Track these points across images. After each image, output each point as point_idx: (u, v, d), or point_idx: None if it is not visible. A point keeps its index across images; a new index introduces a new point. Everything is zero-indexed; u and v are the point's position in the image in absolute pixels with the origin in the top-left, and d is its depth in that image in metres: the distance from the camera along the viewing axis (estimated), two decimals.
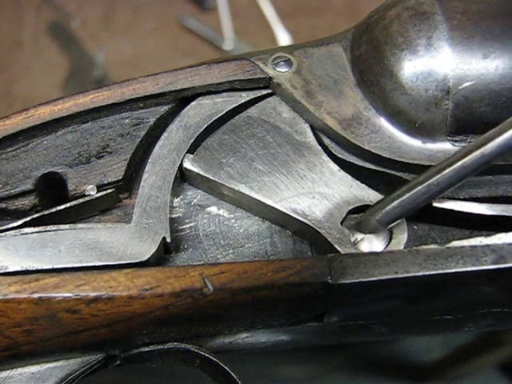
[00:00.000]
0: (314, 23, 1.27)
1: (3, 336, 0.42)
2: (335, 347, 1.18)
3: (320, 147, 0.46)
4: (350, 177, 0.46)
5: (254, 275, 0.41)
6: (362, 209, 0.45)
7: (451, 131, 0.44)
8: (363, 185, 0.46)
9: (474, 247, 0.42)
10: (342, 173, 0.46)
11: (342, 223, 0.44)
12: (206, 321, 0.43)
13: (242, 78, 0.47)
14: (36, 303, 0.41)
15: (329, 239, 0.43)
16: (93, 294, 0.41)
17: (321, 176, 0.45)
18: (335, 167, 0.46)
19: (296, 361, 1.13)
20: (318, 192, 0.45)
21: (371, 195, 0.45)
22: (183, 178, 0.47)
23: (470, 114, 0.43)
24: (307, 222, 0.44)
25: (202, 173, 0.46)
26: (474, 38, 0.43)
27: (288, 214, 0.44)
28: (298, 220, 0.44)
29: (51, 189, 0.46)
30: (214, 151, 0.46)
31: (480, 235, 0.44)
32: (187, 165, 0.46)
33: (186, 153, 0.46)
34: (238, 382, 0.44)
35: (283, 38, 1.27)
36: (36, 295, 0.41)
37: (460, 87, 0.43)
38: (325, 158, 0.46)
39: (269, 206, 0.45)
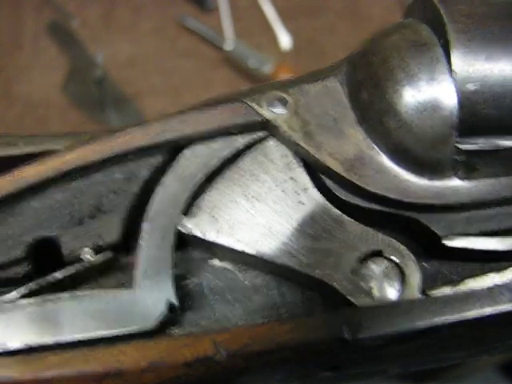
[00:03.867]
0: (314, 24, 1.26)
1: None
2: None
3: (319, 192, 0.45)
4: (353, 221, 0.44)
5: (267, 338, 0.40)
6: (370, 254, 0.43)
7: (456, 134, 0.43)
8: (368, 228, 0.44)
9: (490, 289, 0.41)
10: (345, 218, 0.44)
11: (352, 272, 0.43)
12: None
13: (237, 122, 0.44)
14: None
15: (341, 291, 0.42)
16: (101, 371, 0.39)
17: (324, 226, 0.44)
18: (337, 213, 0.44)
19: None
20: (323, 242, 0.43)
21: (378, 238, 0.43)
22: (180, 242, 0.44)
23: (473, 116, 0.42)
24: (316, 275, 0.42)
25: (199, 235, 0.44)
26: (476, 40, 0.42)
27: (295, 269, 0.43)
28: (307, 274, 0.43)
29: (45, 254, 0.44)
30: (209, 209, 0.44)
31: (491, 269, 0.43)
32: (183, 228, 0.43)
33: (183, 207, 0.44)
34: None
35: (284, 39, 1.25)
36: (42, 375, 0.39)
37: (464, 89, 0.42)
38: (326, 204, 0.44)
39: (274, 263, 0.43)
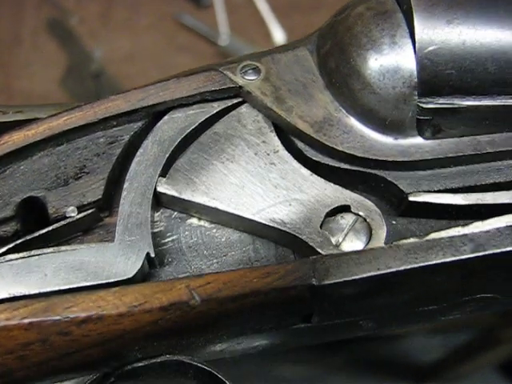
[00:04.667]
0: (308, 20, 1.29)
1: None
2: (334, 348, 1.20)
3: (289, 154, 0.47)
4: (322, 180, 0.46)
5: (240, 283, 0.42)
6: (338, 210, 0.46)
7: (419, 94, 0.45)
8: (337, 186, 0.46)
9: (452, 238, 0.43)
10: (315, 177, 0.46)
11: (321, 226, 0.45)
12: (196, 331, 0.44)
13: (212, 88, 0.47)
14: (27, 329, 0.41)
15: (311, 244, 0.44)
16: (83, 315, 0.41)
17: (294, 183, 0.46)
18: (307, 172, 0.47)
19: (295, 361, 1.14)
20: (294, 199, 0.46)
21: (346, 195, 0.46)
22: (158, 202, 0.47)
23: (435, 77, 0.44)
24: (287, 229, 0.45)
25: (176, 195, 0.46)
26: (439, 6, 0.45)
27: (267, 225, 0.45)
28: (278, 229, 0.45)
29: (32, 213, 0.46)
30: (186, 171, 0.47)
31: (457, 225, 0.45)
32: (161, 188, 0.46)
33: (162, 169, 0.46)
34: None
35: (278, 35, 1.30)
36: (26, 320, 0.41)
37: (425, 51, 0.44)
38: (295, 164, 0.47)
39: (247, 218, 0.45)
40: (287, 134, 0.47)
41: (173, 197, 0.46)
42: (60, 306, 0.42)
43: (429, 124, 0.46)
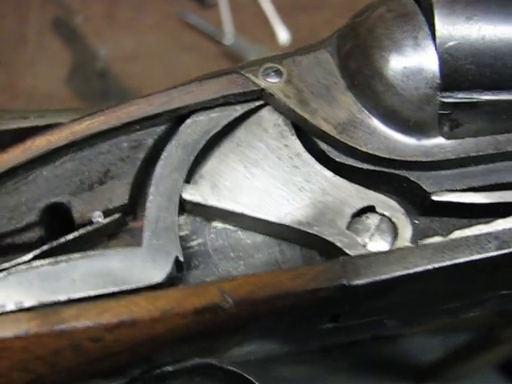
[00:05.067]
0: (312, 20, 1.31)
1: (27, 371, 0.42)
2: (335, 348, 1.20)
3: (312, 156, 0.47)
4: (346, 181, 0.47)
5: (271, 285, 0.42)
6: (363, 210, 0.46)
7: (439, 88, 0.46)
8: (360, 187, 0.47)
9: (477, 236, 0.44)
10: (338, 178, 0.47)
11: (347, 228, 0.45)
12: (227, 334, 0.44)
13: (235, 91, 0.47)
14: (58, 336, 0.41)
15: (338, 245, 0.44)
16: (115, 321, 0.41)
17: (318, 185, 0.46)
18: (330, 174, 0.47)
19: (296, 362, 1.14)
20: (319, 201, 0.46)
21: (370, 196, 0.46)
22: (183, 208, 0.47)
23: (455, 72, 0.45)
24: (314, 232, 0.45)
25: (202, 201, 0.46)
26: (459, 3, 0.45)
27: (294, 228, 0.45)
28: (305, 232, 0.45)
29: (56, 219, 0.46)
30: (210, 177, 0.47)
31: (479, 223, 0.46)
32: (186, 195, 0.46)
33: (186, 174, 0.46)
34: None
35: (282, 34, 1.31)
36: (58, 328, 0.41)
37: (446, 46, 0.45)
38: (318, 166, 0.47)
39: (274, 223, 0.46)
40: (309, 136, 0.48)
41: (198, 203, 0.46)
42: (91, 312, 0.41)
43: (447, 118, 0.46)
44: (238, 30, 1.30)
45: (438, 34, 0.45)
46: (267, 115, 0.49)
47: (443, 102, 0.45)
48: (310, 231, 0.45)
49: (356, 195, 0.46)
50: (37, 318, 0.41)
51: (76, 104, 1.20)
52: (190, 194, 0.46)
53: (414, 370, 1.34)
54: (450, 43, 0.45)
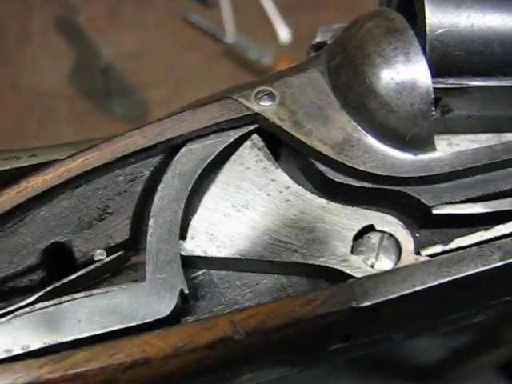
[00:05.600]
0: (313, 18, 1.32)
1: None
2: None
3: (300, 186, 0.47)
4: (339, 205, 0.47)
5: (282, 313, 0.42)
6: (364, 231, 0.46)
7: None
8: (354, 207, 0.47)
9: (481, 248, 0.44)
10: (331, 204, 0.47)
11: (352, 252, 0.45)
12: (239, 364, 0.44)
13: (229, 117, 0.47)
14: (71, 380, 0.41)
15: (347, 271, 0.44)
16: (128, 361, 0.41)
17: (314, 215, 0.46)
18: (323, 201, 0.47)
19: None
20: (319, 231, 0.46)
21: (367, 215, 0.47)
22: (184, 264, 0.45)
23: (445, 58, 0.46)
24: (321, 263, 0.45)
25: (202, 254, 0.46)
26: None
27: (300, 263, 0.45)
28: (312, 265, 0.45)
29: (58, 258, 0.46)
30: (205, 228, 0.46)
31: (479, 230, 0.46)
32: (184, 252, 0.45)
33: (184, 207, 0.46)
34: None
35: (283, 33, 1.33)
36: (70, 372, 0.41)
37: (435, 33, 0.46)
38: (310, 195, 0.47)
39: (279, 262, 0.45)
40: (306, 157, 0.48)
41: (198, 257, 0.46)
42: (104, 353, 0.41)
43: (438, 104, 0.47)
44: (239, 29, 1.33)
45: (428, 21, 0.45)
46: (247, 153, 0.48)
47: (433, 88, 0.46)
48: (317, 263, 0.45)
49: (353, 217, 0.46)
50: (48, 364, 0.41)
51: (79, 100, 1.22)
52: (189, 250, 0.46)
53: (415, 370, 1.35)
54: (440, 30, 0.45)
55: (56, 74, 1.25)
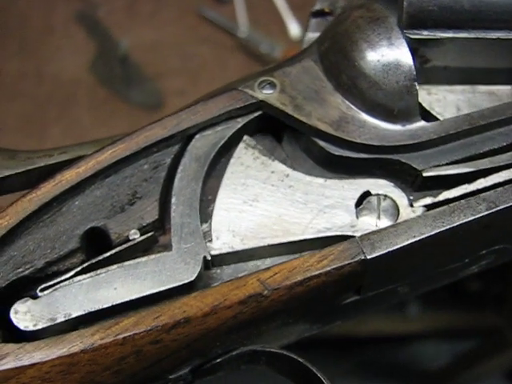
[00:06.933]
0: None
1: (95, 383, 0.46)
2: (342, 352, 1.22)
3: (298, 172, 0.53)
4: (336, 180, 0.53)
5: (303, 268, 0.48)
6: (362, 198, 0.52)
7: (406, 26, 0.52)
8: (351, 179, 0.53)
9: (468, 200, 0.50)
10: (329, 181, 0.53)
11: (357, 218, 0.51)
12: (269, 318, 0.49)
13: (237, 106, 0.53)
14: (122, 344, 0.45)
15: (358, 235, 0.50)
16: (171, 322, 0.46)
17: (317, 193, 0.52)
18: (321, 180, 0.53)
19: None
20: (325, 206, 0.52)
21: (362, 183, 0.53)
22: (213, 264, 0.50)
23: (420, 12, 0.51)
24: (335, 233, 0.51)
25: (230, 250, 0.50)
26: None
27: (316, 238, 0.51)
28: (327, 237, 0.51)
29: (95, 242, 0.51)
30: (224, 227, 0.51)
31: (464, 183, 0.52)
32: (213, 251, 0.50)
33: (202, 185, 0.51)
34: (310, 367, 0.50)
35: (293, 28, 1.39)
36: (120, 336, 0.45)
37: None
38: (308, 178, 0.53)
39: (297, 241, 0.51)
40: (308, 136, 0.53)
41: (227, 253, 0.51)
42: (149, 317, 0.46)
43: (417, 55, 0.53)
44: (251, 24, 1.38)
45: None
46: (243, 153, 0.54)
47: (410, 38, 0.52)
48: (331, 234, 0.51)
49: (350, 188, 0.52)
50: (99, 331, 0.46)
51: (99, 89, 1.28)
52: (216, 250, 0.50)
53: (422, 375, 1.38)
54: None
55: (77, 63, 1.31)
